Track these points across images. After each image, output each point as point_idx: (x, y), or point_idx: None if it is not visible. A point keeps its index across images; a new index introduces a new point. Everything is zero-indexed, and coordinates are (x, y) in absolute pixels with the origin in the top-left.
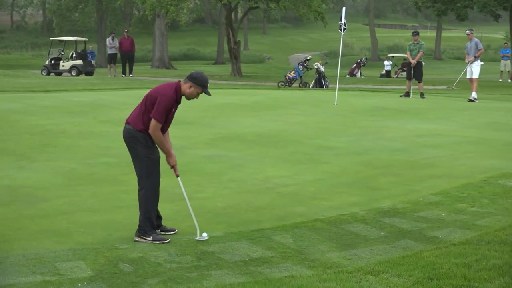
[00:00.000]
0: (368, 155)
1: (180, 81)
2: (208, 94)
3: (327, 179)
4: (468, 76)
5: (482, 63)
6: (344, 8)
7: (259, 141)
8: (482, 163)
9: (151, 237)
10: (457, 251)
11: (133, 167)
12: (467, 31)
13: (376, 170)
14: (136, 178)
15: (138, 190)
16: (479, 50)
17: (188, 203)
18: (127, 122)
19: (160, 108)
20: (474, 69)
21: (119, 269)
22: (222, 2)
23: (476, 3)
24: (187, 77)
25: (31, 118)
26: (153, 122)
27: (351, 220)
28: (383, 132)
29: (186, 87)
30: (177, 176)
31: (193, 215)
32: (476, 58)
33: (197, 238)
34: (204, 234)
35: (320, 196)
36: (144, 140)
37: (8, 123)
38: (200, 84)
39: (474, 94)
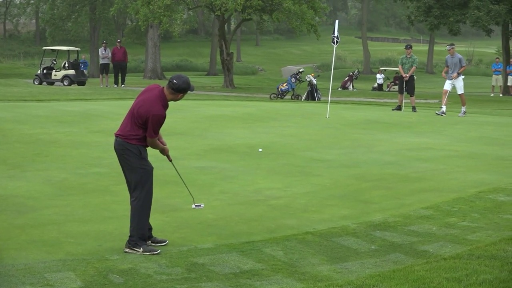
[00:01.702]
0: (359, 168)
1: (163, 87)
2: (191, 91)
3: (318, 191)
4: (446, 88)
5: (464, 76)
6: (337, 21)
7: (251, 152)
8: (473, 177)
9: (142, 248)
10: (447, 265)
11: (123, 178)
12: (447, 47)
13: (367, 183)
14: (127, 188)
15: (131, 201)
16: (463, 66)
17: (181, 177)
18: (118, 135)
19: (155, 128)
20: (458, 85)
21: (109, 280)
22: (216, 14)
23: (468, 18)
24: (168, 85)
25: (22, 127)
26: (149, 139)
27: (342, 233)
28: (375, 145)
29: (169, 94)
30: (171, 161)
31: (186, 186)
32: (459, 74)
33: (193, 206)
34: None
35: (311, 209)
36: (138, 151)
37: (0, 132)
38: (182, 90)
39: (463, 108)
